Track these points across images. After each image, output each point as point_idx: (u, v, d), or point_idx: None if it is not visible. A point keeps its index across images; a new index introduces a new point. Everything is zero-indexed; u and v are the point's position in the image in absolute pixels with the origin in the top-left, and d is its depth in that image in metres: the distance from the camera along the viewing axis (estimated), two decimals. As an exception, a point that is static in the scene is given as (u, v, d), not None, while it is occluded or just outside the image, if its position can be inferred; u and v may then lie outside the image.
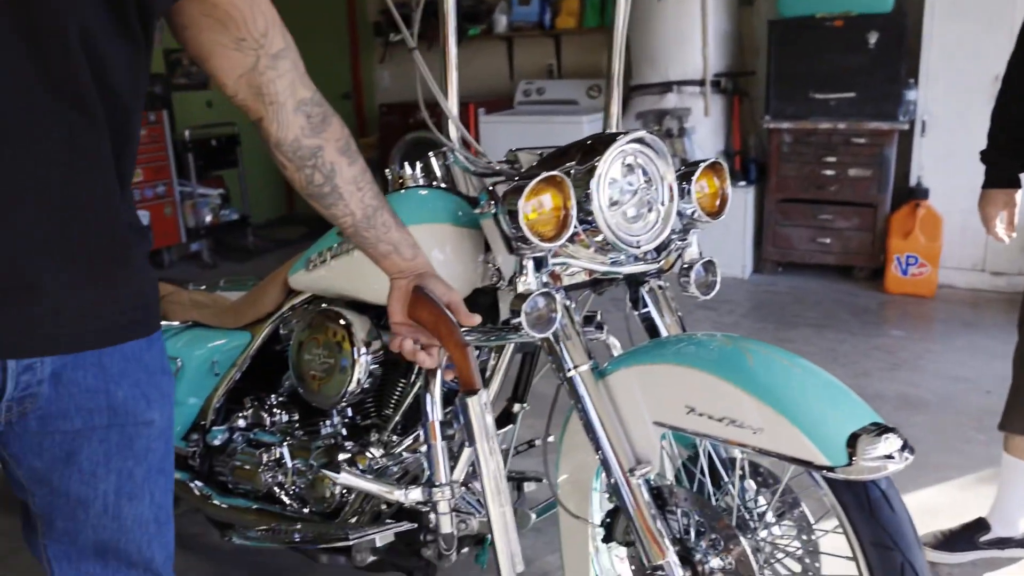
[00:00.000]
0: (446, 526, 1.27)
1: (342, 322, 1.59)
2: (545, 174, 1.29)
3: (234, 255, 5.62)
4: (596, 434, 1.33)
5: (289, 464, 1.74)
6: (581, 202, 1.33)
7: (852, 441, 1.10)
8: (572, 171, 1.37)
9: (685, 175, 1.46)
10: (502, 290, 1.51)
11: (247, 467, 1.79)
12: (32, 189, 0.84)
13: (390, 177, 1.64)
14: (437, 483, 1.25)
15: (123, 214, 0.94)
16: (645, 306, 1.54)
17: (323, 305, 1.69)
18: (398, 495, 1.33)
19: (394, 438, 1.63)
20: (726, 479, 1.39)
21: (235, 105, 1.05)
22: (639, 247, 1.39)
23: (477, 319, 1.21)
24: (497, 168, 1.52)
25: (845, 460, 1.08)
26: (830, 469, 1.09)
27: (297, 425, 1.83)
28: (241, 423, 1.88)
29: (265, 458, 1.76)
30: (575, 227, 1.34)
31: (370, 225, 1.18)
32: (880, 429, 1.11)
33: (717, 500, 1.39)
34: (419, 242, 1.48)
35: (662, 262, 1.51)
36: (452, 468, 1.34)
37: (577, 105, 5.22)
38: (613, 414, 1.35)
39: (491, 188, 1.42)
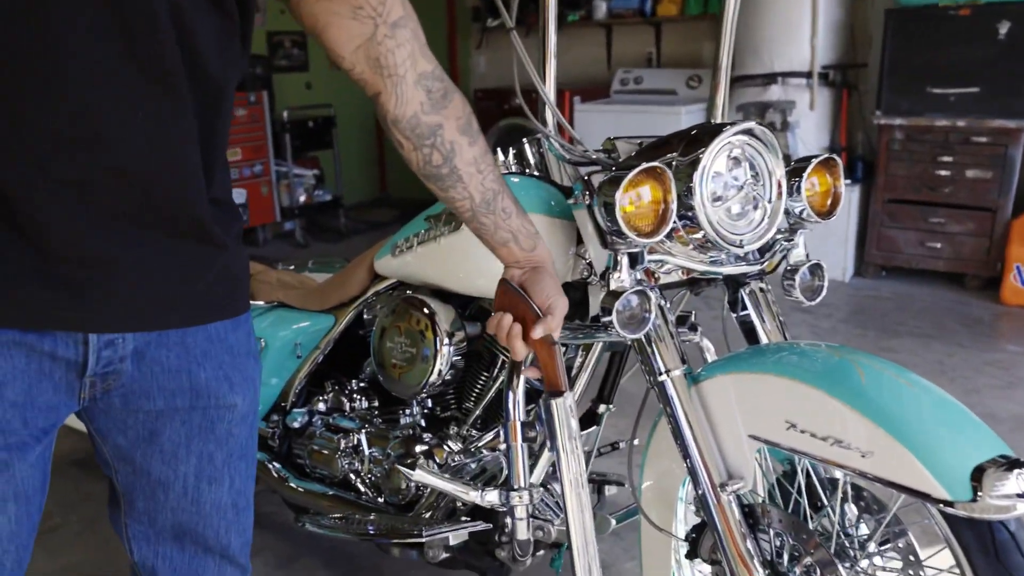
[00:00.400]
0: (522, 532, 1.22)
1: (426, 311, 1.55)
2: (645, 165, 1.21)
3: (326, 235, 5.71)
4: (686, 443, 1.25)
5: (366, 452, 1.72)
6: (682, 196, 1.25)
7: (977, 474, 0.98)
8: (674, 163, 1.28)
9: (795, 171, 1.36)
10: (593, 285, 1.44)
11: (324, 452, 1.78)
12: (112, 164, 0.82)
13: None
14: (515, 486, 1.20)
15: (211, 191, 0.92)
16: (744, 309, 1.44)
17: (408, 292, 1.66)
18: (474, 496, 1.28)
19: (473, 433, 1.58)
20: (825, 501, 1.29)
21: (352, 80, 1.00)
22: (742, 246, 1.30)
23: (553, 333, 1.14)
24: (594, 157, 1.44)
25: (969, 495, 0.97)
26: (950, 504, 0.98)
27: (376, 412, 1.80)
28: (321, 406, 1.87)
29: (343, 444, 1.74)
30: (674, 222, 1.26)
31: (489, 210, 1.11)
32: (1009, 463, 1.00)
33: (814, 523, 1.29)
34: None
35: (765, 263, 1.41)
36: (531, 469, 1.28)
37: (675, 95, 5.06)
38: (705, 423, 1.27)
39: (586, 178, 1.35)
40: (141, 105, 0.81)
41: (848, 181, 4.38)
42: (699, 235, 1.28)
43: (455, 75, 6.64)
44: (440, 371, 1.53)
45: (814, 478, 1.27)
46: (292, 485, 1.79)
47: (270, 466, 1.84)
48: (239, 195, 5.18)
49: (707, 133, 1.27)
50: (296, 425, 1.87)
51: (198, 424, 0.97)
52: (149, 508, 1.01)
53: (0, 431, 0.84)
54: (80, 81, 0.78)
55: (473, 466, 1.52)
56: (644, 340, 1.29)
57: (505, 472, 1.35)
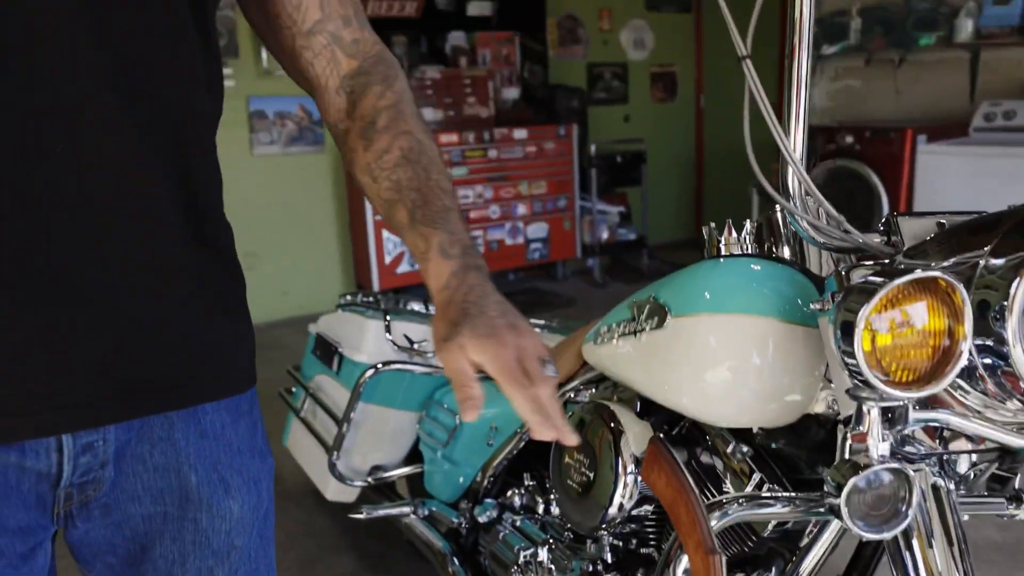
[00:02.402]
0: None
1: (612, 425, 1.20)
2: (918, 274, 0.76)
3: (626, 275, 5.47)
4: None
5: (545, 572, 1.40)
6: (991, 322, 0.78)
7: None
8: (981, 263, 0.81)
9: None
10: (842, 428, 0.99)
11: (503, 560, 1.50)
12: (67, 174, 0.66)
13: (707, 238, 1.20)
14: None
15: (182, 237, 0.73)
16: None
17: (603, 393, 1.32)
18: None
19: (668, 589, 1.19)
20: None
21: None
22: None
23: (572, 440, 0.74)
24: (860, 241, 1.00)
25: None
26: None
27: (570, 526, 1.48)
28: (516, 501, 1.60)
29: (521, 557, 1.45)
30: (970, 361, 0.79)
31: (393, 225, 0.81)
32: None
33: None
34: (728, 340, 1.04)
35: None
36: None
37: (1063, 135, 4.03)
38: None
39: (842, 272, 0.92)
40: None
41: None
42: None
43: (780, 110, 6.05)
44: (621, 505, 1.17)
45: None
46: (464, 591, 1.54)
47: (448, 560, 1.61)
48: (541, 229, 5.15)
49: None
50: (483, 519, 1.62)
51: (191, 540, 0.81)
52: None
53: None
54: None
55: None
56: (901, 539, 0.83)
57: None
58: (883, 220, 1.02)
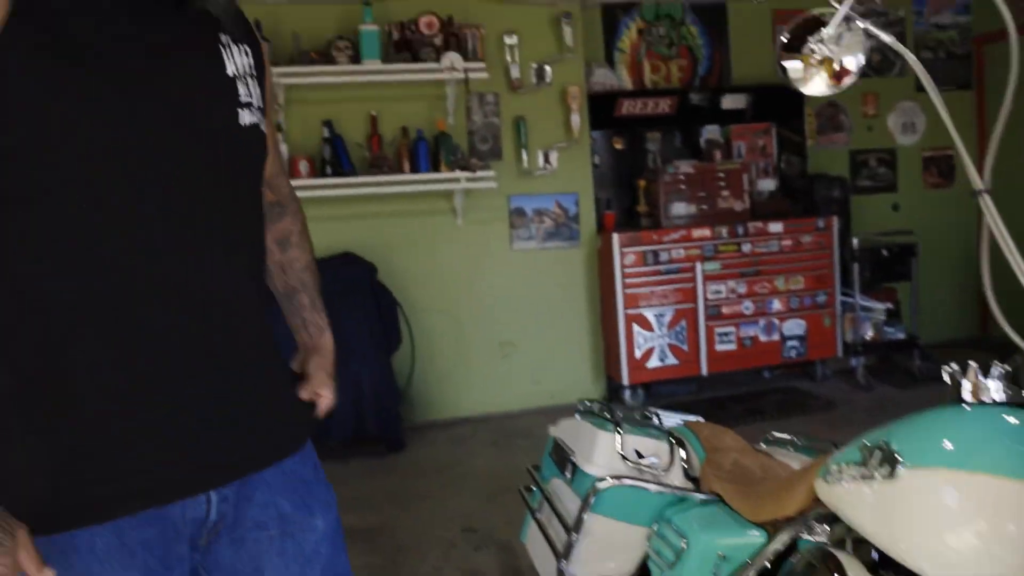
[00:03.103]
0: None
1: (838, 578, 1.12)
2: None
3: (894, 379, 5.01)
4: None
5: None
6: None
7: None
8: None
9: None
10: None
11: None
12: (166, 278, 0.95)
13: (949, 380, 1.10)
14: None
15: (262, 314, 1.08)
16: None
17: (843, 534, 1.23)
18: None
19: None
20: None
21: None
22: None
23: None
24: None
25: None
26: None
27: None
28: (746, 637, 1.52)
29: None
30: None
31: (291, 303, 1.29)
32: None
33: None
34: (972, 502, 0.96)
35: None
36: None
37: None
38: None
39: None
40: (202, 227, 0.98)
41: None
42: None
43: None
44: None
45: None
46: None
47: None
48: (798, 326, 4.91)
49: None
50: (709, 653, 1.55)
51: (291, 552, 1.06)
52: None
53: None
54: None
55: None
56: None
57: None
58: None
